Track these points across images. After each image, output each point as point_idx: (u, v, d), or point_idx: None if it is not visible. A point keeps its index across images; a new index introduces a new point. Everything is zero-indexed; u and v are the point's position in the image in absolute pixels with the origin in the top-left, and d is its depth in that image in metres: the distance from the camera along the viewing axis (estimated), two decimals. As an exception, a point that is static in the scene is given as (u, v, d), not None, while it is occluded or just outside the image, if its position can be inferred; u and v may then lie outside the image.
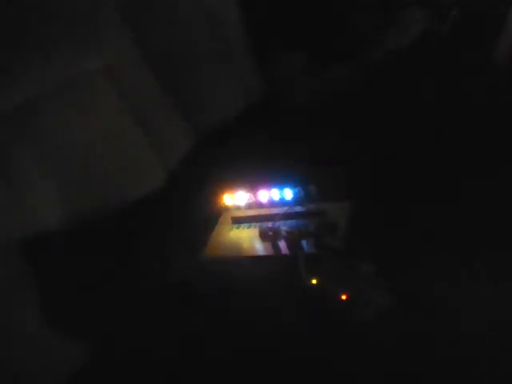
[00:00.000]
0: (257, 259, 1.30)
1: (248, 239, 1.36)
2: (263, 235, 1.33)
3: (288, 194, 1.36)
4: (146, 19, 1.41)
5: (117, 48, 1.30)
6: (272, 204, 1.38)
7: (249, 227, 1.39)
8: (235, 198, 1.42)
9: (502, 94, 1.37)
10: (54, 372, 1.15)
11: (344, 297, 1.11)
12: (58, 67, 1.25)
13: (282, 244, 1.29)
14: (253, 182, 1.41)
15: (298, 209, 1.34)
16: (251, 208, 1.42)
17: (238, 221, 1.42)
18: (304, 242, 1.26)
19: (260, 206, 1.40)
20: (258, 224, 1.38)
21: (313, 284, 1.15)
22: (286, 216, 1.34)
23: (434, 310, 1.03)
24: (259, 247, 1.32)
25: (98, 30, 1.30)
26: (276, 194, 1.37)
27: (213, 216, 1.44)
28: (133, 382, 1.14)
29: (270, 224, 1.34)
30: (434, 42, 1.56)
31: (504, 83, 1.38)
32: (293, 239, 1.27)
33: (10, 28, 1.27)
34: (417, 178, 1.29)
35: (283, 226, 1.31)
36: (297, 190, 1.35)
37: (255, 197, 1.40)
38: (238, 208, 1.43)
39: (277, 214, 1.35)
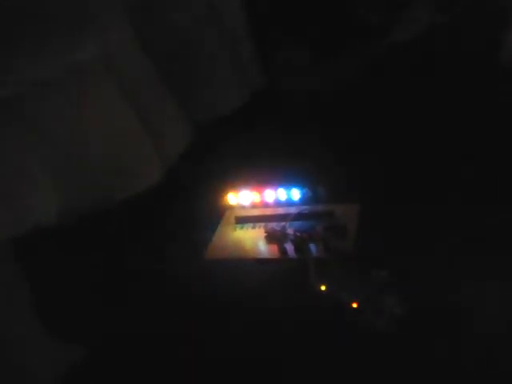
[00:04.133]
0: (262, 262, 1.25)
1: (252, 240, 1.31)
2: (269, 237, 1.27)
3: (295, 194, 1.31)
4: (145, 8, 1.37)
5: (116, 36, 1.27)
6: (278, 204, 1.33)
7: (253, 228, 1.34)
8: (239, 197, 1.38)
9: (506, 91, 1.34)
10: (48, 371, 1.13)
11: (355, 304, 1.06)
12: (53, 55, 1.22)
13: (289, 247, 1.23)
14: (258, 180, 1.36)
15: (306, 210, 1.28)
16: (256, 207, 1.36)
17: (242, 221, 1.36)
18: (312, 246, 1.21)
19: (265, 205, 1.35)
20: (262, 224, 1.32)
21: (322, 290, 1.11)
22: (293, 217, 1.28)
23: (448, 318, 0.99)
24: (264, 249, 1.27)
25: (95, 18, 1.27)
26: (283, 194, 1.32)
27: (215, 215, 1.39)
28: (130, 382, 1.11)
29: (275, 225, 1.29)
30: (438, 35, 1.53)
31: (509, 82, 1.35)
32: (300, 242, 1.22)
33: (5, 15, 1.24)
34: (430, 179, 1.24)
35: (290, 228, 1.26)
36: (305, 190, 1.30)
37: (261, 196, 1.35)
38: (241, 207, 1.38)
39: (283, 215, 1.30)
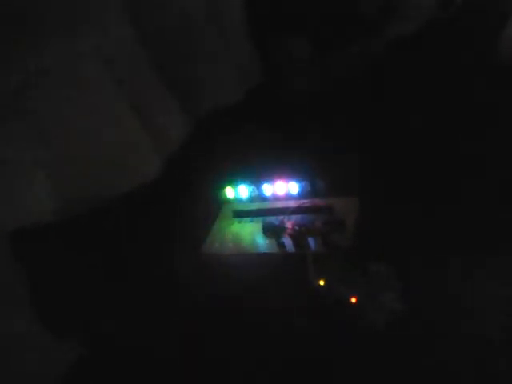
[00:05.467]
0: (260, 256, 1.24)
1: (250, 235, 1.30)
2: (267, 231, 1.27)
3: (294, 187, 1.30)
4: (144, 4, 1.36)
5: (113, 31, 1.26)
6: (277, 198, 1.33)
7: (251, 222, 1.33)
8: (237, 191, 1.37)
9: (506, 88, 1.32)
10: (48, 371, 1.12)
11: (353, 299, 1.06)
12: (53, 53, 1.21)
13: (287, 241, 1.23)
14: (256, 174, 1.35)
15: (305, 204, 1.27)
16: (254, 201, 1.36)
17: (240, 215, 1.36)
18: (311, 240, 1.20)
19: (263, 199, 1.35)
20: (261, 219, 1.32)
21: (320, 285, 1.10)
22: (292, 211, 1.27)
23: (448, 314, 0.99)
24: (262, 244, 1.27)
25: (94, 12, 1.26)
26: (281, 188, 1.32)
27: (213, 209, 1.39)
28: (129, 382, 1.11)
29: (274, 219, 1.28)
30: (437, 30, 1.51)
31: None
32: (299, 236, 1.22)
33: (4, 11, 1.24)
34: (429, 174, 1.23)
35: (288, 222, 1.25)
36: (303, 183, 1.30)
37: (258, 190, 1.34)
38: (239, 201, 1.37)
39: (282, 209, 1.29)
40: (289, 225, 1.24)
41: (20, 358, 1.11)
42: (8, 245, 1.18)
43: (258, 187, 1.35)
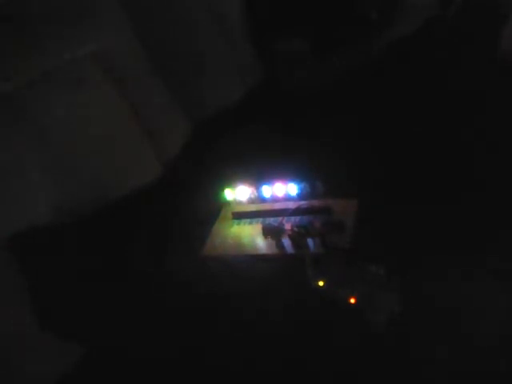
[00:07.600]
0: (259, 258, 1.25)
1: (250, 236, 1.30)
2: (266, 232, 1.27)
3: (293, 189, 1.30)
4: (144, 6, 1.38)
5: (113, 34, 1.26)
6: (275, 199, 1.33)
7: (250, 223, 1.33)
8: (236, 193, 1.37)
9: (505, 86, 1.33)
10: (48, 371, 1.12)
11: (352, 300, 1.06)
12: (52, 54, 1.22)
13: (287, 242, 1.23)
14: (255, 175, 1.36)
15: (304, 205, 1.28)
16: (253, 203, 1.36)
17: (239, 216, 1.36)
18: (310, 241, 1.21)
19: (262, 201, 1.35)
20: (260, 220, 1.32)
21: (319, 286, 1.10)
22: (291, 212, 1.28)
23: (447, 315, 0.99)
24: (262, 245, 1.27)
25: (94, 15, 1.27)
26: (280, 189, 1.32)
27: (213, 211, 1.39)
28: (128, 382, 1.10)
29: (273, 220, 1.28)
30: (438, 29, 1.53)
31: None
32: (298, 237, 1.22)
33: (3, 15, 1.25)
34: (428, 175, 1.24)
35: (287, 223, 1.26)
36: (302, 185, 1.30)
37: (258, 192, 1.34)
38: (239, 203, 1.37)
39: (281, 210, 1.30)
40: (288, 226, 1.25)
41: (20, 358, 1.11)
42: (8, 246, 1.18)
43: (258, 189, 1.35)
